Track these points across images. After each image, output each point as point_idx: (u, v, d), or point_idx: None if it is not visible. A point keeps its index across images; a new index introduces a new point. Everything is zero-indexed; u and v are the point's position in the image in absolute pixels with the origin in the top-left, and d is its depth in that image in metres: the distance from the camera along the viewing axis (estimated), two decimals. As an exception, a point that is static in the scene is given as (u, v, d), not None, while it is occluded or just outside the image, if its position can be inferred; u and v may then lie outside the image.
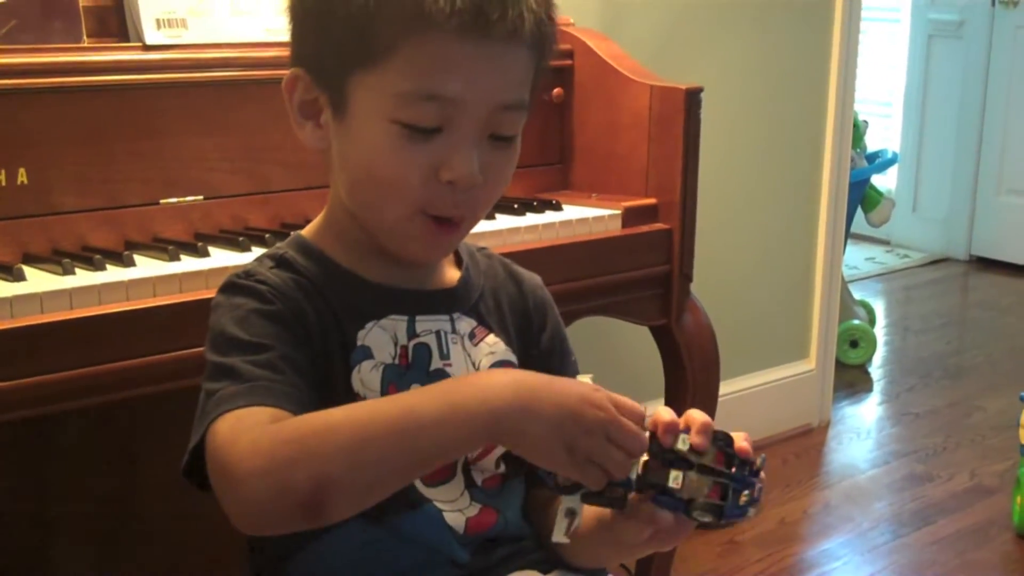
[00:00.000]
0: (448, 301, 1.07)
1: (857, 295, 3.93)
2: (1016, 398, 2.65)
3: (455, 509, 1.03)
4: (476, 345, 1.07)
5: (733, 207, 2.75)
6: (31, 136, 1.44)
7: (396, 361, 1.02)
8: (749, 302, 2.86)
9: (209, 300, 1.02)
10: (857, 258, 4.94)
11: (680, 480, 0.92)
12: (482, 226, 1.15)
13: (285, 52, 1.05)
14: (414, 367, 1.03)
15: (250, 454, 0.87)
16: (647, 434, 0.91)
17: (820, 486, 2.74)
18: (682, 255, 1.84)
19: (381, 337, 1.02)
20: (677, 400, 1.90)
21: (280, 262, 1.03)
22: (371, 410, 0.90)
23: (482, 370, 1.05)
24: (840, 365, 3.35)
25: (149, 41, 1.56)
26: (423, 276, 1.07)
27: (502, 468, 1.06)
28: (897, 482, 2.77)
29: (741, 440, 0.96)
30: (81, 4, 1.53)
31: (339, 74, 0.98)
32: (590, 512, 0.96)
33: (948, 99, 4.97)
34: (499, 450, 1.05)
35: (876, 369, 3.63)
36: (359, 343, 1.01)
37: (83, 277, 1.33)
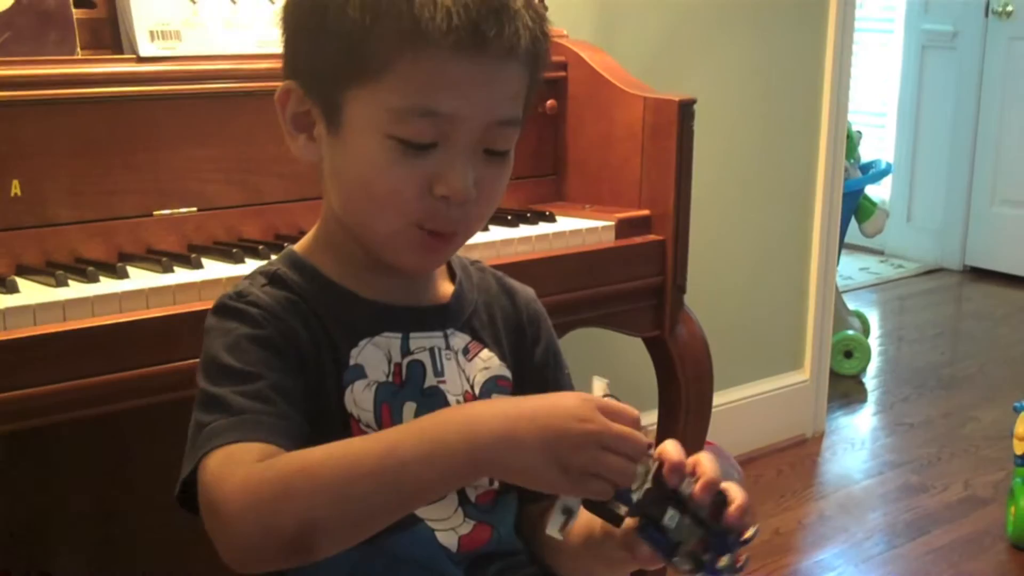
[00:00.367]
0: (442, 317, 1.07)
1: (851, 305, 3.93)
2: (1010, 408, 2.65)
3: (448, 528, 1.03)
4: (470, 360, 1.07)
5: (727, 218, 2.76)
6: (25, 148, 1.44)
7: (390, 379, 1.02)
8: (743, 313, 2.86)
9: (202, 312, 1.02)
10: (851, 268, 4.95)
11: (675, 521, 0.91)
12: (476, 237, 1.15)
13: (278, 64, 1.06)
14: (408, 384, 1.03)
15: (237, 494, 0.87)
16: (648, 444, 0.90)
17: (814, 497, 2.74)
18: (675, 266, 1.84)
19: (374, 355, 1.02)
20: (671, 412, 1.90)
21: (273, 279, 1.02)
22: (356, 449, 0.89)
23: (472, 399, 1.04)
24: (834, 375, 3.35)
25: (143, 53, 1.56)
26: (417, 292, 1.07)
27: (496, 484, 1.06)
28: (891, 492, 2.77)
29: (739, 508, 0.94)
30: (75, 16, 1.53)
31: (333, 88, 0.98)
32: (580, 524, 0.96)
33: (942, 109, 4.98)
34: None
35: (870, 379, 3.64)
36: (352, 362, 1.01)
37: (76, 289, 1.33)
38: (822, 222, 2.98)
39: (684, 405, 1.89)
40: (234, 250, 1.49)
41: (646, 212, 1.85)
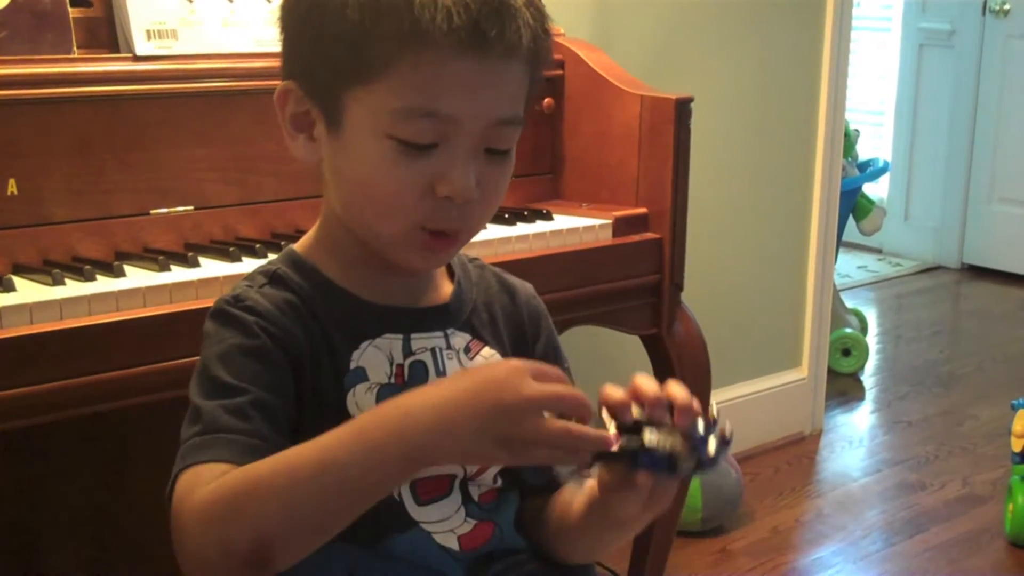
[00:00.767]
0: (442, 318, 1.07)
1: (849, 303, 3.93)
2: (1008, 406, 2.65)
3: (446, 530, 1.02)
4: (472, 359, 1.07)
5: (724, 216, 2.76)
6: (21, 147, 1.44)
7: (392, 380, 1.02)
8: (741, 311, 2.86)
9: (199, 311, 1.02)
10: (849, 266, 4.95)
11: (655, 438, 0.90)
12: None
13: (276, 63, 1.05)
14: (410, 385, 1.02)
15: (194, 514, 0.88)
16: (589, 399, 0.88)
17: (812, 494, 2.74)
18: (673, 264, 1.84)
19: (376, 357, 1.02)
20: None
21: (273, 279, 1.02)
22: (295, 459, 0.88)
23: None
24: (832, 373, 3.35)
25: (139, 52, 1.56)
26: (417, 292, 1.07)
27: (499, 483, 1.06)
28: (889, 490, 2.77)
29: (682, 401, 0.92)
30: (71, 15, 1.53)
31: (332, 89, 0.97)
32: (579, 502, 0.98)
33: (939, 108, 4.98)
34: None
35: (868, 377, 3.64)
36: (353, 365, 1.01)
37: (73, 287, 1.33)
38: (820, 220, 2.98)
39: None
40: (231, 249, 1.49)
41: (643, 210, 1.85)
